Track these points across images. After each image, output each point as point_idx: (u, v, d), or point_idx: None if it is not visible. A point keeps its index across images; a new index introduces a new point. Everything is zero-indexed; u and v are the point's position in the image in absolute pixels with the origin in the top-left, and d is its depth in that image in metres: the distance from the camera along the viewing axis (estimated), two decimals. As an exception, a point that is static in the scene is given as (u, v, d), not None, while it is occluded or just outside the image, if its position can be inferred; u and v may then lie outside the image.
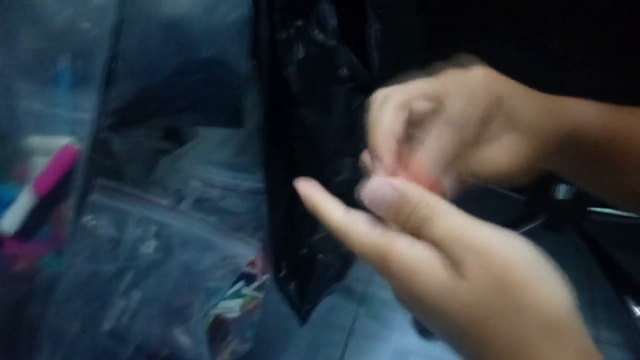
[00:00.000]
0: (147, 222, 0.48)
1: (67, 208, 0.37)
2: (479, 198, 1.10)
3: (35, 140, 0.34)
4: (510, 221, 0.98)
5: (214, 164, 0.63)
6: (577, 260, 0.99)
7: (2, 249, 0.34)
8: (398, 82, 0.33)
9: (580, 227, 0.96)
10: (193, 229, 0.51)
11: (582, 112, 0.32)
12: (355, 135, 0.64)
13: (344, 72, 0.60)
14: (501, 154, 0.32)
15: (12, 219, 0.34)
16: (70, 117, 0.35)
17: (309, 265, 0.68)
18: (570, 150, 0.33)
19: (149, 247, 0.49)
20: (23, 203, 0.34)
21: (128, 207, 0.47)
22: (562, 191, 0.93)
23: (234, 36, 0.59)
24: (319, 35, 0.58)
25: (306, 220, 0.68)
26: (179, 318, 0.56)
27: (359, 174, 0.68)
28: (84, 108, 0.35)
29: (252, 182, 0.64)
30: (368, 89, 0.65)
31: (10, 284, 0.46)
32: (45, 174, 0.35)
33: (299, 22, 0.60)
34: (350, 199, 0.73)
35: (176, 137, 0.72)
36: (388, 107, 0.31)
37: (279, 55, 0.60)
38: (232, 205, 0.64)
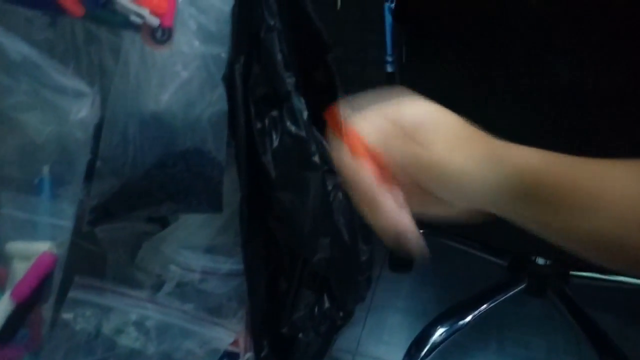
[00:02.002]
0: (125, 314, 0.50)
1: (45, 310, 0.39)
2: (463, 264, 1.12)
3: (16, 246, 0.37)
4: (493, 286, 0.99)
5: (193, 247, 0.65)
6: (563, 324, 0.99)
7: None
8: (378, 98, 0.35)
9: (562, 292, 0.97)
10: (170, 318, 0.53)
11: (526, 160, 0.33)
12: (330, 215, 0.67)
13: (317, 159, 0.63)
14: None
15: None
16: (50, 224, 0.38)
17: (290, 344, 0.68)
18: (512, 198, 0.33)
19: (128, 338, 0.50)
20: (2, 309, 0.36)
21: (106, 301, 0.49)
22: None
23: (212, 128, 0.63)
24: (291, 127, 0.62)
25: (286, 299, 0.69)
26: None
27: (335, 253, 0.70)
28: (63, 215, 0.38)
29: (231, 264, 0.66)
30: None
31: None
32: (24, 280, 0.37)
33: (274, 113, 0.64)
34: (329, 277, 0.75)
35: (159, 219, 0.75)
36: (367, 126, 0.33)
37: (255, 143, 0.64)
38: (212, 287, 0.66)
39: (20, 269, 0.38)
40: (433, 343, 0.93)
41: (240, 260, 0.67)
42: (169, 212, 0.61)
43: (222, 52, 0.62)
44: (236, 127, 0.64)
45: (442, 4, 0.67)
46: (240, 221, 0.67)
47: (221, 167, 0.64)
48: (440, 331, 0.94)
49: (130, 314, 0.50)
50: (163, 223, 0.74)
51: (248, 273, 0.67)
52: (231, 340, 0.60)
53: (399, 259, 1.13)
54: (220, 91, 0.62)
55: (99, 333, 0.48)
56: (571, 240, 0.35)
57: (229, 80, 0.63)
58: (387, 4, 0.75)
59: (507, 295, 0.99)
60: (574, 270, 0.99)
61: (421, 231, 1.09)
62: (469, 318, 0.96)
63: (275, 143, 0.64)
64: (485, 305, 0.98)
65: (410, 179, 0.33)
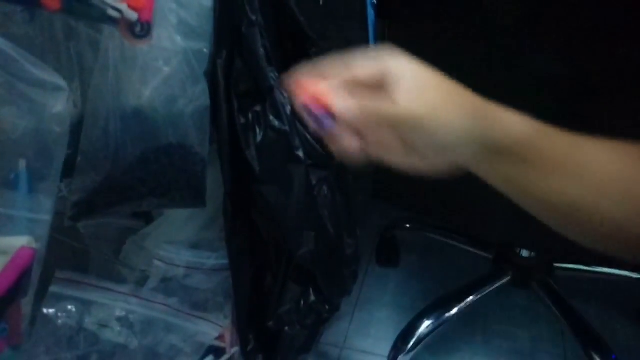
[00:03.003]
0: (108, 309, 0.50)
1: (24, 304, 0.39)
2: (449, 258, 1.12)
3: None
4: (478, 279, 1.00)
5: (178, 243, 0.65)
6: (548, 316, 1.01)
7: None
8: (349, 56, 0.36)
9: (546, 284, 0.98)
10: (154, 312, 0.53)
11: (513, 120, 0.34)
12: (315, 209, 0.68)
13: (300, 153, 0.64)
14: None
15: None
16: (28, 218, 0.38)
17: (276, 338, 0.69)
18: (495, 155, 0.34)
19: (112, 332, 0.50)
20: None
21: (88, 296, 0.49)
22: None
23: (195, 123, 0.63)
24: (274, 121, 0.62)
25: (272, 294, 0.70)
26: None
27: (320, 247, 0.71)
28: (41, 209, 0.38)
29: (216, 259, 0.66)
30: (325, 165, 0.69)
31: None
32: (2, 274, 0.37)
33: (257, 108, 0.65)
34: (314, 270, 0.76)
35: (144, 215, 0.75)
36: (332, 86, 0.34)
37: (239, 138, 0.64)
38: (197, 282, 0.66)
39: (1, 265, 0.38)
40: (419, 336, 0.94)
41: (225, 255, 0.67)
42: (152, 207, 0.61)
43: (204, 47, 0.62)
44: (219, 122, 0.64)
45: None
46: (225, 216, 0.67)
47: (204, 162, 0.64)
48: (426, 324, 0.94)
49: (113, 308, 0.50)
50: (147, 219, 0.74)
51: (233, 268, 0.67)
52: (216, 334, 0.60)
53: (386, 254, 1.14)
54: (203, 86, 0.62)
55: (81, 328, 0.48)
56: (549, 208, 0.36)
57: (211, 75, 0.63)
58: (369, -1, 0.76)
59: (492, 288, 0.99)
60: (558, 262, 1.00)
61: (407, 226, 1.10)
62: (455, 310, 0.97)
63: (259, 138, 0.64)
64: (471, 298, 0.99)
65: (384, 130, 0.34)
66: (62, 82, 0.39)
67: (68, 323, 0.47)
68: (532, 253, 0.97)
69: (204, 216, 0.69)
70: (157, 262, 0.61)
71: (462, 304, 0.97)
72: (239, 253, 0.67)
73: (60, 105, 0.39)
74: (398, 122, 0.33)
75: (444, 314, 0.96)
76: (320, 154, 0.68)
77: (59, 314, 0.46)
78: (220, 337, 0.68)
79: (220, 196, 0.67)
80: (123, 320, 0.50)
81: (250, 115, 0.65)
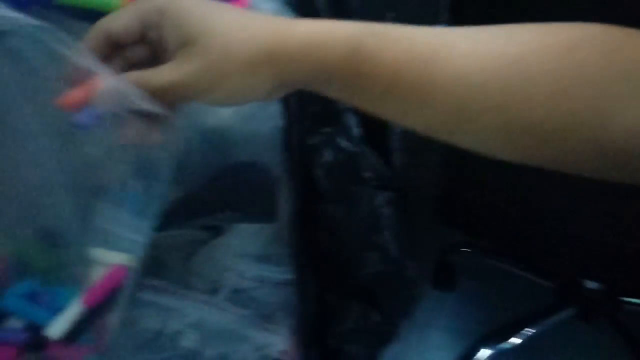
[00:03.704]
0: (185, 316, 0.53)
1: (112, 317, 0.42)
2: (508, 285, 1.10)
3: (98, 253, 0.40)
4: (540, 310, 0.97)
5: (247, 255, 0.68)
6: (614, 353, 0.96)
7: (46, 351, 0.38)
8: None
9: (613, 318, 0.94)
10: (227, 322, 0.55)
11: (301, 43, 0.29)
12: (379, 230, 0.69)
13: (367, 174, 0.65)
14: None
15: (59, 325, 0.37)
16: (129, 238, 0.40)
17: (336, 355, 0.70)
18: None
19: (188, 339, 0.53)
20: (72, 312, 0.38)
21: (166, 302, 0.52)
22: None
23: (268, 142, 0.66)
24: (344, 143, 0.64)
25: (334, 311, 0.71)
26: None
27: (383, 268, 0.71)
28: (141, 232, 0.40)
29: (282, 273, 0.68)
30: (390, 187, 0.70)
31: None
32: (96, 288, 0.39)
33: (327, 129, 0.67)
34: (377, 290, 0.77)
35: (214, 228, 0.78)
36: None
37: (308, 158, 0.66)
38: (264, 295, 0.68)
39: (95, 275, 0.41)
40: (476, 366, 0.92)
41: (290, 270, 0.69)
42: (226, 221, 0.64)
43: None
44: (290, 142, 0.67)
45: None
46: (291, 233, 0.69)
47: (275, 179, 0.67)
48: (484, 352, 0.93)
49: (189, 315, 0.53)
50: (217, 231, 0.77)
51: (298, 283, 0.69)
52: (283, 347, 0.62)
53: (443, 278, 1.13)
54: (277, 107, 0.65)
55: (160, 333, 0.51)
56: (409, 125, 0.31)
57: (285, 97, 0.66)
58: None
59: (554, 320, 0.96)
60: (627, 296, 0.95)
61: (466, 250, 1.10)
62: (514, 340, 0.94)
63: (327, 158, 0.66)
64: (531, 328, 0.96)
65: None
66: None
67: (148, 327, 0.50)
68: (599, 285, 0.93)
69: (271, 231, 0.71)
70: (227, 274, 0.63)
71: (522, 335, 0.95)
72: (304, 269, 0.69)
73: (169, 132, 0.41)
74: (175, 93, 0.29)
75: (503, 343, 0.94)
76: (386, 176, 0.69)
77: (140, 318, 0.49)
78: (283, 352, 0.70)
79: (288, 213, 0.70)
80: (198, 328, 0.53)
81: (319, 137, 0.67)
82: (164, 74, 0.30)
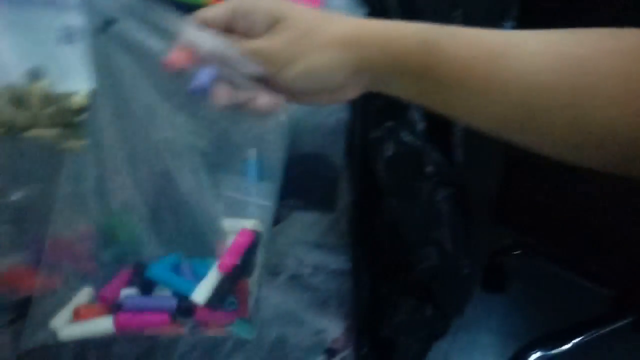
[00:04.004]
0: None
1: (251, 283, 0.43)
2: (563, 290, 1.07)
3: (228, 223, 0.42)
4: (596, 318, 0.95)
5: (305, 243, 0.70)
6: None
7: (194, 316, 0.41)
8: None
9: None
10: (287, 305, 0.57)
11: (383, 40, 0.31)
12: (437, 226, 0.69)
13: (429, 169, 0.66)
14: (311, 70, 0.33)
15: (202, 292, 0.40)
16: (255, 203, 0.42)
17: (390, 346, 0.71)
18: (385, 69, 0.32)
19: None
20: (211, 278, 0.41)
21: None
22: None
23: (332, 134, 0.68)
24: (407, 137, 0.65)
25: (387, 304, 0.72)
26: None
27: (440, 263, 0.72)
28: (265, 195, 0.42)
29: (339, 262, 0.70)
30: (451, 183, 0.70)
31: (132, 343, 0.55)
32: (227, 254, 0.41)
33: (390, 124, 0.68)
34: (432, 285, 0.77)
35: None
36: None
37: (370, 151, 0.68)
38: (320, 282, 0.70)
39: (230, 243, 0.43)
40: (529, 366, 0.91)
41: (346, 260, 0.70)
42: (289, 207, 0.67)
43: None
44: (353, 135, 0.69)
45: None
46: (349, 223, 0.71)
47: (336, 171, 0.68)
48: (535, 355, 0.91)
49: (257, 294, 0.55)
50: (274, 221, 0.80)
51: (354, 273, 0.70)
52: (338, 334, 0.63)
53: (493, 279, 1.12)
54: (342, 101, 0.67)
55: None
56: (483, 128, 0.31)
57: (351, 90, 0.67)
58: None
59: (610, 329, 0.94)
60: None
61: (517, 252, 1.08)
62: (566, 346, 0.92)
63: (389, 152, 0.67)
64: (585, 336, 0.94)
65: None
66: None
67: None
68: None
69: (329, 220, 0.73)
70: (287, 259, 0.66)
71: (576, 341, 0.93)
72: (360, 260, 0.71)
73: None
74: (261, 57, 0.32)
75: (555, 348, 0.92)
76: (447, 172, 0.69)
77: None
78: (334, 340, 0.72)
79: (346, 204, 0.71)
80: (264, 308, 0.55)
81: (382, 130, 0.68)
82: (255, 42, 0.33)
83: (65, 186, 0.41)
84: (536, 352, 0.92)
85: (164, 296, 0.42)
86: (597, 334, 0.94)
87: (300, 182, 0.67)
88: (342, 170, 0.69)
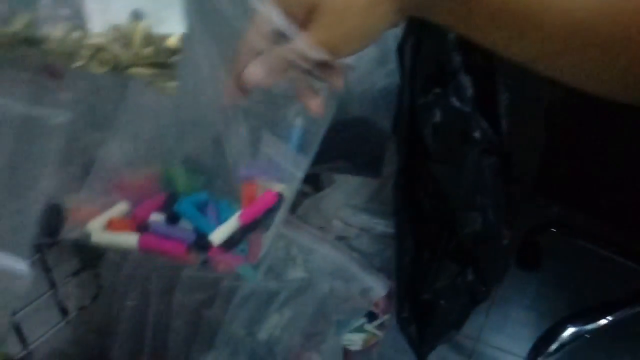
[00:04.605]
0: (305, 249, 0.57)
1: (265, 237, 0.46)
2: (599, 268, 1.07)
3: (260, 179, 0.45)
4: (632, 294, 0.95)
5: (351, 206, 0.72)
6: None
7: (208, 253, 0.44)
8: None
9: None
10: (339, 259, 0.59)
11: None
12: (481, 193, 0.70)
13: (477, 135, 0.67)
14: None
15: (220, 233, 0.43)
16: (288, 170, 0.44)
17: (431, 310, 0.72)
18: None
19: (305, 270, 0.58)
20: (231, 224, 0.44)
21: (293, 235, 0.57)
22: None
23: (381, 100, 0.69)
24: (456, 102, 0.66)
25: (429, 268, 0.73)
26: (313, 340, 0.64)
27: (484, 230, 0.73)
28: (300, 166, 0.44)
29: (384, 226, 0.71)
30: (496, 152, 0.71)
31: (194, 292, 0.57)
32: (251, 207, 0.44)
33: (437, 90, 0.69)
34: (475, 250, 0.78)
35: (315, 182, 0.83)
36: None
37: (417, 117, 0.69)
38: (364, 245, 0.72)
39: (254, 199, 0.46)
40: (562, 341, 0.91)
41: (391, 224, 0.72)
42: (338, 170, 0.68)
43: (396, 30, 0.68)
44: (401, 101, 0.70)
45: None
46: (395, 188, 0.72)
47: (384, 136, 0.70)
48: (570, 330, 0.92)
49: (308, 250, 0.57)
50: (316, 185, 0.82)
51: (398, 237, 0.72)
52: (384, 293, 0.65)
53: (527, 257, 1.12)
54: (392, 66, 0.68)
55: (286, 263, 0.56)
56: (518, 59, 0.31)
57: (400, 58, 0.68)
58: None
59: (645, 306, 0.94)
60: None
61: (553, 230, 1.08)
62: (602, 322, 0.93)
63: (437, 118, 0.68)
64: (619, 313, 0.94)
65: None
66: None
67: (279, 256, 0.55)
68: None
69: (372, 187, 0.75)
70: (335, 221, 0.68)
71: (612, 318, 0.93)
72: (404, 225, 0.72)
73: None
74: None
75: (590, 324, 0.93)
76: (493, 140, 0.70)
77: (275, 247, 0.54)
78: (377, 301, 0.73)
79: (392, 169, 0.73)
80: (312, 262, 0.57)
81: (430, 97, 0.69)
82: (310, 35, 0.33)
83: (132, 131, 0.44)
84: (570, 327, 0.92)
85: (185, 229, 0.45)
86: (631, 311, 0.94)
87: (348, 146, 0.69)
88: (389, 136, 0.70)
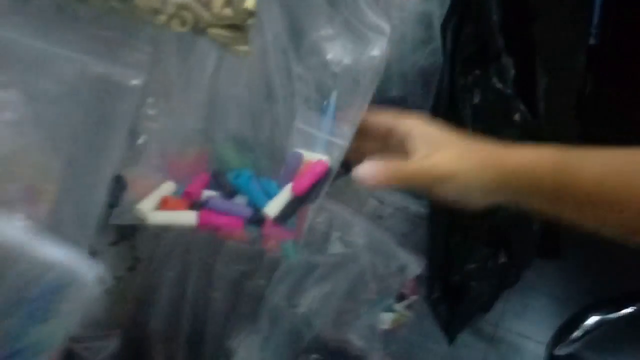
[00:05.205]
0: (346, 223, 0.57)
1: (310, 210, 0.46)
2: (621, 258, 1.07)
3: (312, 156, 0.44)
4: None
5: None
6: None
7: (262, 227, 0.44)
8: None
9: None
10: (379, 235, 0.60)
11: (524, 162, 0.36)
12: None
13: (517, 117, 0.66)
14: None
15: (274, 207, 0.43)
16: (329, 141, 0.45)
17: (461, 291, 0.73)
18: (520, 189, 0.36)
19: (343, 245, 0.58)
20: (284, 197, 0.43)
21: (335, 208, 0.57)
22: None
23: (421, 80, 0.69)
24: (497, 84, 0.66)
25: (462, 250, 0.74)
26: (348, 317, 0.64)
27: (517, 214, 0.73)
28: (341, 135, 0.44)
29: (418, 206, 0.72)
30: (534, 135, 0.71)
31: (235, 263, 0.58)
32: (302, 178, 0.43)
33: (477, 72, 0.69)
34: (508, 235, 0.78)
35: (347, 163, 0.83)
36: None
37: (457, 98, 0.69)
38: (397, 224, 0.72)
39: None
40: (584, 329, 0.92)
41: (425, 205, 0.72)
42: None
43: (438, 10, 0.68)
44: (441, 82, 0.70)
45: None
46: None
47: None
48: (593, 319, 0.92)
49: (349, 224, 0.58)
50: (347, 166, 0.82)
51: (431, 219, 0.72)
52: (419, 272, 0.65)
53: (547, 245, 1.12)
54: (433, 47, 0.68)
55: (327, 237, 0.56)
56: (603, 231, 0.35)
57: (443, 37, 0.68)
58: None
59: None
60: None
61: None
62: (626, 311, 0.93)
63: (476, 99, 0.68)
64: (643, 303, 0.94)
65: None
66: (386, 27, 0.45)
67: (321, 230, 0.55)
68: None
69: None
70: (371, 199, 0.68)
71: (636, 307, 0.93)
72: (438, 206, 0.72)
73: (378, 49, 0.45)
74: (415, 178, 0.37)
75: (613, 313, 0.93)
76: (531, 123, 0.70)
77: (318, 222, 0.55)
78: (410, 281, 0.74)
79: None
80: (356, 235, 0.58)
81: (470, 78, 0.69)
82: (413, 164, 0.38)
83: (188, 104, 0.44)
84: (594, 315, 0.93)
85: (241, 204, 0.45)
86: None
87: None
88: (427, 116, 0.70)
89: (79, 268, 0.31)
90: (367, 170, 0.39)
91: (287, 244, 0.49)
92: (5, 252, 0.27)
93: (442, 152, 0.38)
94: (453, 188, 0.37)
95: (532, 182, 0.35)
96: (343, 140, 0.45)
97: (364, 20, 0.45)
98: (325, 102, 0.47)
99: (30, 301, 0.29)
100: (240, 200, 0.45)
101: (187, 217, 0.43)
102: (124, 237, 0.68)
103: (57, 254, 0.29)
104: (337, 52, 0.44)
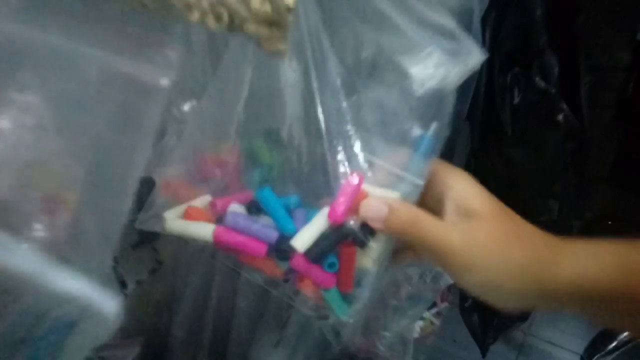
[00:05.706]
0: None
1: (362, 255, 0.34)
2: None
3: (374, 191, 0.34)
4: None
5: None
6: None
7: (291, 260, 0.34)
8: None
9: None
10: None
11: (570, 265, 0.30)
12: (562, 178, 0.66)
13: (560, 118, 0.62)
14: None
15: (303, 237, 0.33)
16: (409, 180, 0.35)
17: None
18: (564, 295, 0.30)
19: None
20: (316, 225, 0.33)
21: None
22: None
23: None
24: (540, 83, 0.62)
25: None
26: (379, 323, 0.61)
27: (560, 218, 0.69)
28: (421, 175, 0.35)
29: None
30: (577, 138, 0.67)
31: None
32: (343, 202, 0.33)
33: (517, 69, 0.65)
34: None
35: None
36: None
37: (495, 98, 0.65)
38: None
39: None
40: (621, 340, 0.88)
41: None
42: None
43: (475, 5, 0.64)
44: (478, 80, 0.66)
45: None
46: (465, 169, 0.69)
47: (457, 117, 0.66)
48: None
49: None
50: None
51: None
52: (452, 281, 0.62)
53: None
54: (469, 43, 0.64)
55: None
56: None
57: (481, 32, 0.64)
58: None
59: None
60: None
61: (609, 223, 1.01)
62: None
63: (517, 99, 0.64)
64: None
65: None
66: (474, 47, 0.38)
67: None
68: None
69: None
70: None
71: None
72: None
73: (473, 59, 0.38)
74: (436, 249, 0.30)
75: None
76: (574, 126, 0.66)
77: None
78: (444, 289, 0.70)
79: (464, 151, 0.69)
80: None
81: (510, 76, 0.65)
82: (440, 231, 0.31)
83: (221, 103, 0.41)
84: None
85: (268, 226, 0.35)
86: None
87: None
88: (462, 118, 0.66)
89: (94, 301, 0.27)
90: (381, 207, 0.31)
91: (331, 293, 0.35)
92: (11, 282, 0.23)
93: (470, 230, 0.31)
94: (478, 282, 0.30)
95: (585, 298, 0.29)
96: (423, 180, 0.34)
97: (447, 48, 0.38)
98: (419, 133, 0.36)
99: (38, 339, 0.25)
100: (267, 221, 0.36)
101: (205, 231, 0.36)
102: (146, 239, 0.66)
103: (70, 284, 0.26)
104: (419, 75, 0.36)
